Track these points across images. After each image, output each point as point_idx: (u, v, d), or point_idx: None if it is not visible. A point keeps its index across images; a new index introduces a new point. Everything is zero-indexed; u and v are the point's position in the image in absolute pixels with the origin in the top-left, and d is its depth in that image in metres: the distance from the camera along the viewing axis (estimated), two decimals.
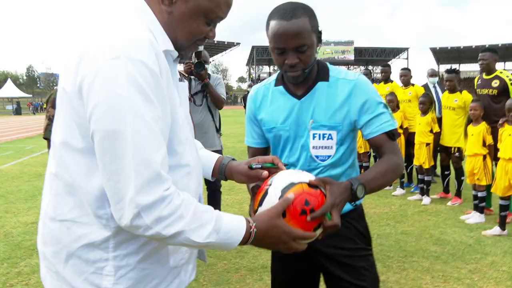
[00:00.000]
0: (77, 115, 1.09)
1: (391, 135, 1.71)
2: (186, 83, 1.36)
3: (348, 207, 1.83)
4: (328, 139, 1.74)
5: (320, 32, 1.72)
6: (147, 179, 1.02)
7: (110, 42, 1.06)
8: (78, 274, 1.18)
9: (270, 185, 1.38)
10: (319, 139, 1.74)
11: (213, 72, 4.89)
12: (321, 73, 1.78)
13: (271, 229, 1.23)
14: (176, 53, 1.24)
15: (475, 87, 5.67)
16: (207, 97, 4.64)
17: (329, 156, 1.76)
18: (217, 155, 1.60)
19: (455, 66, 7.41)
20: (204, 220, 1.12)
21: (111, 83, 1.02)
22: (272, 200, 1.32)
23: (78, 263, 1.17)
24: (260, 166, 1.47)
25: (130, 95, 1.02)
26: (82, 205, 1.15)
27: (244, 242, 1.19)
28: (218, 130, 4.80)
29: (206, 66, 4.57)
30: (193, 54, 4.44)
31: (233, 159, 1.59)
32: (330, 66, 1.81)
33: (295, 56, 1.63)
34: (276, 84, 1.87)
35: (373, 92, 1.74)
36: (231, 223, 1.18)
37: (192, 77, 4.61)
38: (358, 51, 71.86)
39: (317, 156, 1.76)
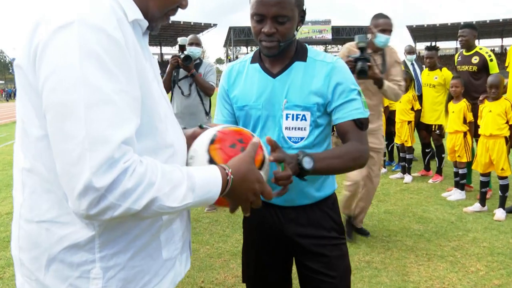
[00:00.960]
0: (36, 94, 0.97)
1: (359, 123, 1.66)
2: (155, 58, 1.27)
3: (322, 194, 1.80)
4: (301, 120, 1.68)
5: (304, 12, 1.67)
6: (104, 158, 0.88)
7: (65, 8, 0.94)
8: (61, 280, 1.06)
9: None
10: (292, 119, 1.68)
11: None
12: (299, 53, 1.73)
13: (247, 174, 1.15)
14: (146, 23, 1.12)
15: (456, 64, 5.66)
16: (196, 85, 4.67)
17: (302, 138, 1.70)
18: None
19: (430, 43, 7.48)
20: (176, 181, 0.99)
21: (62, 51, 0.90)
22: (198, 146, 1.26)
23: (61, 267, 1.06)
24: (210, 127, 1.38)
25: (83, 65, 0.90)
26: (61, 203, 1.03)
27: (222, 191, 1.09)
28: (207, 113, 4.80)
29: (200, 49, 4.76)
30: (178, 47, 4.63)
31: (184, 128, 1.52)
32: (309, 48, 1.77)
33: (273, 26, 1.58)
34: (252, 62, 1.81)
35: (349, 77, 1.70)
36: (205, 176, 1.06)
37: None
38: (336, 30, 71.85)
39: (289, 138, 1.70)
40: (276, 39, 1.60)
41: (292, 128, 1.69)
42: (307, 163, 1.48)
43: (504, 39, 74.21)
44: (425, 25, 68.86)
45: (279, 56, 1.69)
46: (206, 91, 4.71)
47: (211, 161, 1.20)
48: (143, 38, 1.15)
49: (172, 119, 1.21)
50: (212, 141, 1.24)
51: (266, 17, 1.57)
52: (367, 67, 3.40)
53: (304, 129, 1.69)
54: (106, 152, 0.89)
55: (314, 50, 1.76)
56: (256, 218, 1.84)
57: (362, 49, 3.45)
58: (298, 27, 1.68)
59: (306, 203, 1.78)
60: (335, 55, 1.85)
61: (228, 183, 1.10)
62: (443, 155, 6.09)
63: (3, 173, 7.65)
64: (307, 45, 1.78)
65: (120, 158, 0.90)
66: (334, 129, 1.77)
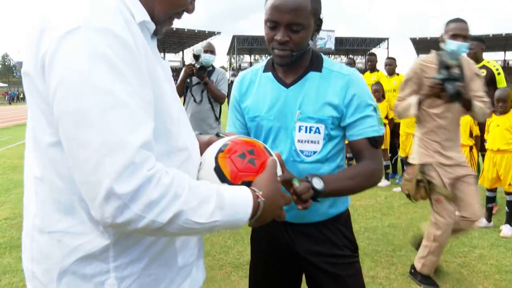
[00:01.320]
0: (45, 102, 0.93)
1: (374, 141, 1.61)
2: (167, 61, 1.23)
3: (335, 211, 1.74)
4: (315, 132, 1.61)
5: (320, 20, 1.60)
6: (124, 164, 0.84)
7: (70, 11, 0.90)
8: None
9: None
10: (306, 132, 1.62)
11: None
12: (314, 62, 1.66)
13: (274, 193, 1.11)
14: (153, 26, 1.08)
15: None
16: (208, 93, 4.80)
17: (315, 152, 1.63)
18: None
19: None
20: (204, 195, 0.95)
21: (71, 58, 0.86)
22: (207, 157, 1.19)
23: (73, 280, 1.01)
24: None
25: (94, 69, 0.86)
26: (74, 212, 1.00)
27: (253, 215, 1.04)
28: (217, 119, 4.90)
29: (214, 56, 4.91)
30: (193, 57, 4.80)
31: (200, 133, 1.45)
32: (325, 58, 1.71)
33: (287, 34, 1.52)
34: (265, 70, 1.74)
35: (365, 92, 1.64)
36: (235, 195, 1.03)
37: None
38: (339, 41, 71.99)
39: (302, 151, 1.63)
40: (289, 48, 1.54)
41: (305, 141, 1.62)
42: (317, 184, 1.44)
43: (507, 53, 74.37)
44: (428, 38, 69.06)
45: (293, 65, 1.63)
46: (217, 99, 4.84)
47: (217, 169, 1.16)
48: (152, 41, 1.11)
49: (185, 122, 1.16)
50: (222, 150, 1.19)
51: (280, 24, 1.51)
52: (460, 89, 2.85)
53: (318, 142, 1.62)
54: (125, 157, 0.85)
55: (329, 60, 1.70)
56: (265, 234, 1.79)
57: (447, 67, 2.94)
58: (314, 37, 1.61)
59: (318, 220, 1.71)
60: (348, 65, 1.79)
61: (259, 206, 1.06)
62: None
63: (3, 177, 7.57)
64: (322, 54, 1.72)
65: (141, 164, 0.86)
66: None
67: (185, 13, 1.17)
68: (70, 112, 0.86)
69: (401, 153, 6.47)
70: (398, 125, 6.58)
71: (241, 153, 1.18)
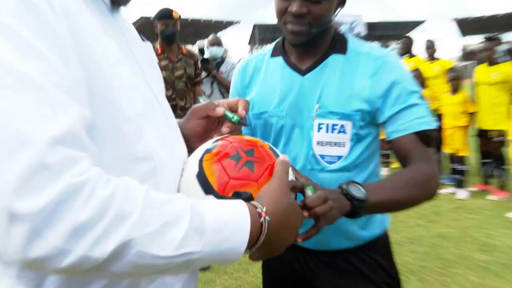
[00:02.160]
0: None
1: (425, 137, 1.32)
2: (148, 43, 1.06)
3: (368, 234, 1.45)
4: (339, 132, 1.37)
5: None
6: (26, 167, 0.56)
7: None
8: None
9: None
10: (327, 131, 1.37)
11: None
12: (336, 43, 1.43)
13: (287, 210, 0.84)
14: None
15: None
16: (218, 85, 4.87)
17: (339, 157, 1.38)
18: None
19: (478, 37, 7.07)
20: (169, 215, 0.68)
21: None
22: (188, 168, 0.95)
23: None
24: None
25: None
26: None
27: (252, 242, 0.76)
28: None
29: (222, 48, 4.99)
30: (198, 51, 4.83)
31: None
32: (350, 37, 1.47)
33: (304, 4, 1.27)
34: (274, 55, 1.51)
35: (406, 76, 1.38)
36: (222, 212, 0.74)
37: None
38: (369, 26, 70.70)
39: (322, 156, 1.39)
40: (307, 22, 1.29)
41: (326, 143, 1.37)
42: (357, 191, 1.14)
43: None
44: (470, 18, 67.10)
45: (310, 46, 1.38)
46: (228, 89, 4.59)
47: (201, 175, 0.91)
48: (113, 14, 0.91)
49: (158, 121, 0.90)
50: (209, 150, 0.96)
51: None
52: None
53: (343, 144, 1.37)
54: (28, 157, 0.57)
55: (356, 40, 1.44)
56: (279, 265, 1.55)
57: None
58: (336, 13, 1.38)
59: (346, 247, 1.44)
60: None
61: (263, 229, 0.77)
62: (504, 167, 5.35)
63: None
64: (347, 34, 1.46)
65: (59, 168, 0.59)
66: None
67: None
68: None
69: (446, 150, 5.80)
70: (440, 117, 5.89)
71: (235, 154, 0.94)
